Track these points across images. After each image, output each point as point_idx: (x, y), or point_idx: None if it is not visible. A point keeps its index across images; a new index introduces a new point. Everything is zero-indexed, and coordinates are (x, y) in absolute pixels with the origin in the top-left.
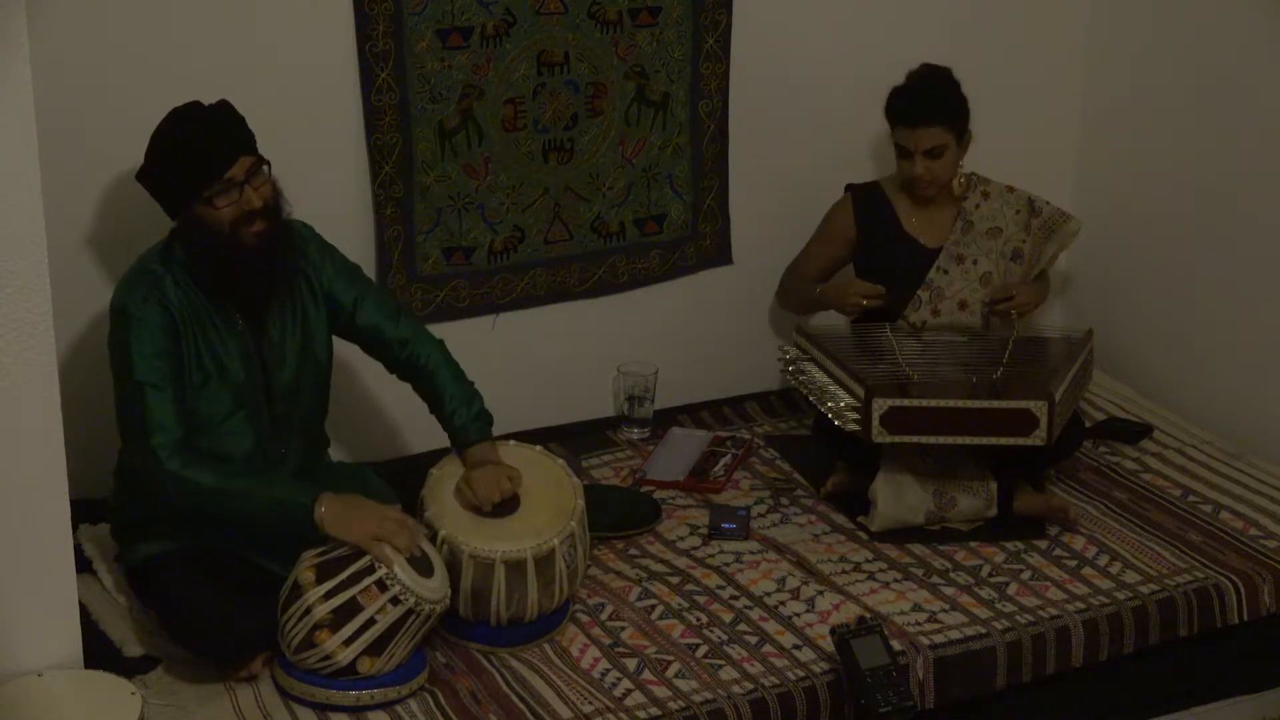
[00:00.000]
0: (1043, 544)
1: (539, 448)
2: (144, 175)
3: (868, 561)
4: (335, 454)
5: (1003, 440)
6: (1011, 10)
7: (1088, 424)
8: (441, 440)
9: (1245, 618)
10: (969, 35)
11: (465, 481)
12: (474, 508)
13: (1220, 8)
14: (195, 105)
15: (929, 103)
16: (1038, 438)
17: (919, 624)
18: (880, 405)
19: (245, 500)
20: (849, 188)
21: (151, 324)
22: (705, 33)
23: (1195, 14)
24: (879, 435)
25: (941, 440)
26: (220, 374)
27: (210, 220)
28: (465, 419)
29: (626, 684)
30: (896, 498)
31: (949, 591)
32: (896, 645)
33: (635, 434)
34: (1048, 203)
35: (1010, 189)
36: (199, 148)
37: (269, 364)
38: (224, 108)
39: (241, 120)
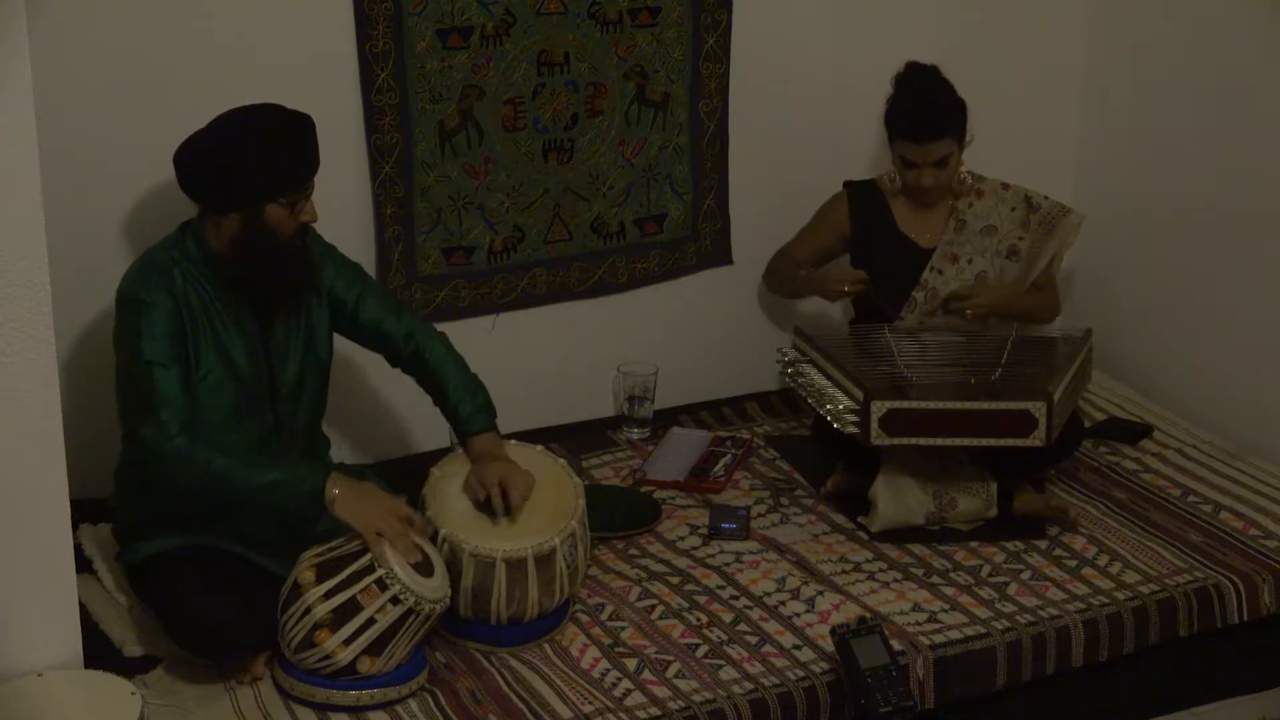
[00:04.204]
0: (1043, 544)
1: (539, 447)
2: (214, 160)
3: (868, 561)
4: (335, 454)
5: (1002, 442)
6: (1011, 10)
7: (1087, 424)
8: (443, 440)
9: (1245, 618)
10: (969, 35)
11: (473, 474)
12: (477, 503)
13: (1221, 7)
14: (281, 108)
15: (935, 118)
16: (1037, 438)
17: (919, 624)
18: (879, 408)
19: (254, 476)
20: (847, 184)
21: (161, 308)
22: (705, 33)
23: (1196, 13)
24: (878, 438)
25: (940, 442)
26: (226, 370)
27: (279, 224)
28: (470, 409)
29: (626, 684)
30: (897, 500)
31: (949, 591)
32: (896, 645)
33: (635, 434)
34: (1046, 197)
35: (1005, 185)
36: (301, 151)
37: (274, 362)
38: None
39: None
